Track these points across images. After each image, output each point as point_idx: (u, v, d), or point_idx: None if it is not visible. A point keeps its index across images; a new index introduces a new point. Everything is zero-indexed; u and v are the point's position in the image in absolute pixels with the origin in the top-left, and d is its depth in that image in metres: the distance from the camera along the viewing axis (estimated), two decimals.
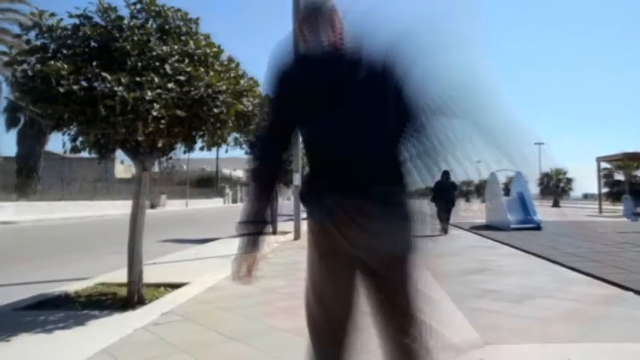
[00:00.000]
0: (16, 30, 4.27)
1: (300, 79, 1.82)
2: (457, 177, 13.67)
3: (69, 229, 17.25)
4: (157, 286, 5.06)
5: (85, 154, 4.58)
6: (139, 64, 3.93)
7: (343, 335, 1.87)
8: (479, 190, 65.94)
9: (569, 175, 45.95)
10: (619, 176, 36.24)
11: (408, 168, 1.81)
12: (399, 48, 1.75)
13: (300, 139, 1.96)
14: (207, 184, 58.04)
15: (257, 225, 1.86)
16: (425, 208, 1.92)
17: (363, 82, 1.75)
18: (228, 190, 61.94)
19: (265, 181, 1.90)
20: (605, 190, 35.10)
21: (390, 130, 1.78)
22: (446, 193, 13.57)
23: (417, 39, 1.75)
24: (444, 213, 13.43)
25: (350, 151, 1.75)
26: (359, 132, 1.74)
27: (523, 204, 15.40)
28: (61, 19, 4.08)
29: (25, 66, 3.91)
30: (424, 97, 1.78)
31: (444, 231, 13.23)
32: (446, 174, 9.66)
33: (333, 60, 1.82)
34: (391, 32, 1.77)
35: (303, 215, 9.63)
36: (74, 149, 4.24)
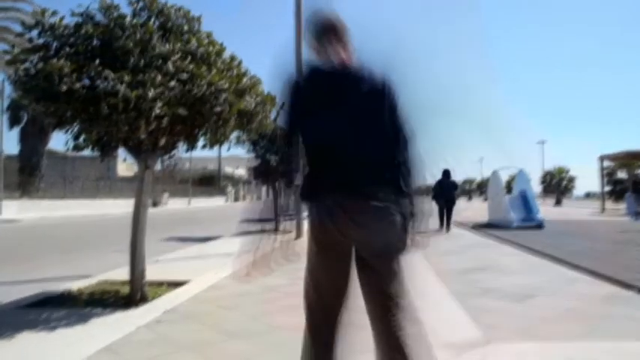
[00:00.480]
0: (19, 28, 4.27)
1: (312, 90, 2.03)
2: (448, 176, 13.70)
3: (71, 228, 17.29)
4: (160, 284, 5.06)
5: (87, 153, 4.59)
6: (141, 62, 3.94)
7: (336, 318, 2.04)
8: (481, 188, 65.92)
9: (571, 174, 45.88)
10: (622, 174, 36.12)
11: (403, 169, 1.98)
12: (392, 65, 1.98)
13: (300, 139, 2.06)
14: (210, 182, 58.09)
15: (260, 223, 1.94)
16: (424, 207, 2.04)
17: (364, 94, 1.96)
18: (230, 189, 61.99)
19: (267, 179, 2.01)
20: (607, 188, 35.00)
21: (386, 136, 1.97)
22: (447, 192, 13.61)
23: (406, 52, 1.96)
24: (446, 211, 13.47)
25: (350, 153, 1.93)
26: (358, 137, 1.93)
27: (525, 202, 15.37)
28: (63, 18, 4.08)
29: (27, 64, 3.92)
30: (414, 107, 2.00)
31: (447, 229, 13.25)
32: (446, 173, 9.87)
33: (341, 74, 2.01)
34: (386, 45, 1.99)
35: (305, 214, 9.61)
36: (76, 147, 4.25)
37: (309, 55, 2.15)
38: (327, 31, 2.05)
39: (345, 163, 1.93)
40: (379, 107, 1.95)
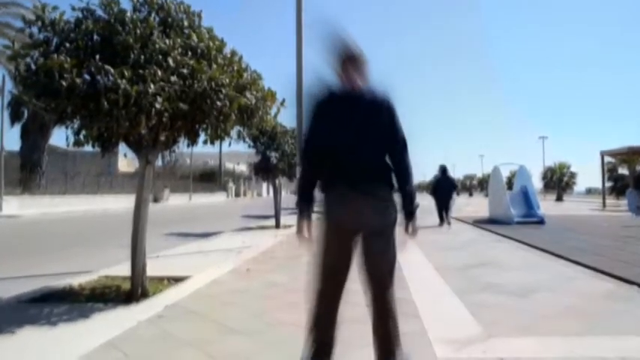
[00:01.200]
0: (19, 24, 4.26)
1: (331, 108, 2.51)
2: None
3: (72, 223, 17.32)
4: (161, 279, 5.07)
5: (88, 149, 4.58)
6: (142, 57, 3.93)
7: (338, 302, 2.48)
8: (481, 184, 65.80)
9: (572, 170, 45.69)
10: (623, 171, 36.01)
11: (399, 169, 2.49)
12: (390, 92, 2.55)
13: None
14: (211, 178, 58.08)
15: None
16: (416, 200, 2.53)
17: (369, 111, 2.48)
18: (231, 185, 62.01)
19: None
20: (608, 184, 34.90)
21: (386, 142, 2.49)
22: (445, 190, 13.71)
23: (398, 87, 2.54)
24: (444, 208, 13.59)
25: (355, 157, 2.41)
26: (363, 144, 2.42)
27: (526, 198, 15.35)
28: (64, 13, 4.07)
29: (28, 60, 3.91)
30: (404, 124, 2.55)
31: (448, 224, 13.30)
32: (444, 171, 10.00)
33: (352, 97, 2.52)
34: (386, 77, 2.57)
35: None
36: (77, 143, 4.24)
37: (312, 59, 2.61)
38: (350, 62, 2.50)
39: (350, 164, 2.40)
40: (380, 121, 2.46)
